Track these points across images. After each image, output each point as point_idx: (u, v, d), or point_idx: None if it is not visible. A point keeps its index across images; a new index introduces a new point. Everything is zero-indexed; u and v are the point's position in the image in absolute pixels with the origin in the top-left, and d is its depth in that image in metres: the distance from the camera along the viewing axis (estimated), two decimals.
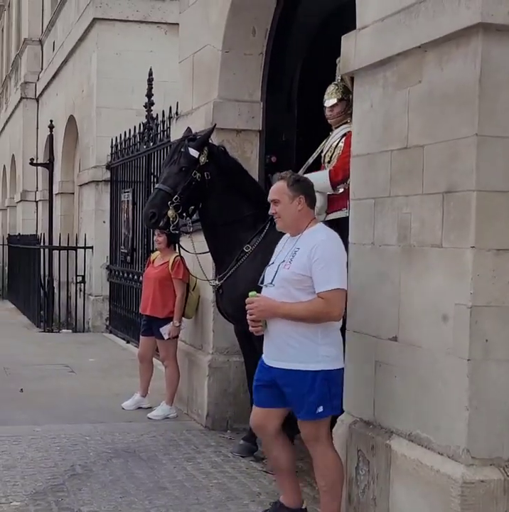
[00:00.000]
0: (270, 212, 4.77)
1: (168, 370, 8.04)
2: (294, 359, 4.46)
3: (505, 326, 4.02)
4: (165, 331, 7.90)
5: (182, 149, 6.32)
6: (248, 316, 4.60)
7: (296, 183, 4.64)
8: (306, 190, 4.68)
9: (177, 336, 8.02)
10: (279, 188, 4.65)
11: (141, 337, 8.41)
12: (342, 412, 4.93)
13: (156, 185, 6.55)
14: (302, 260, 4.45)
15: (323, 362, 4.45)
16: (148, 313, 8.07)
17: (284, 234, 6.33)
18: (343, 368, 4.60)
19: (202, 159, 6.26)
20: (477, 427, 4.02)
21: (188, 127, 6.84)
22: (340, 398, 4.63)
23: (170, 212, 6.23)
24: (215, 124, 6.86)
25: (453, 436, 4.09)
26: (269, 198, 4.72)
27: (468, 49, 4.05)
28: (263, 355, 4.69)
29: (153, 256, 8.44)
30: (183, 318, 7.95)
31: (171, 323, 7.88)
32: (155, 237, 8.30)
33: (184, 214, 6.39)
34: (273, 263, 4.67)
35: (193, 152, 6.26)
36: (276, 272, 4.56)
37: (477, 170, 3.98)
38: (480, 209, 3.99)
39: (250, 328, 4.66)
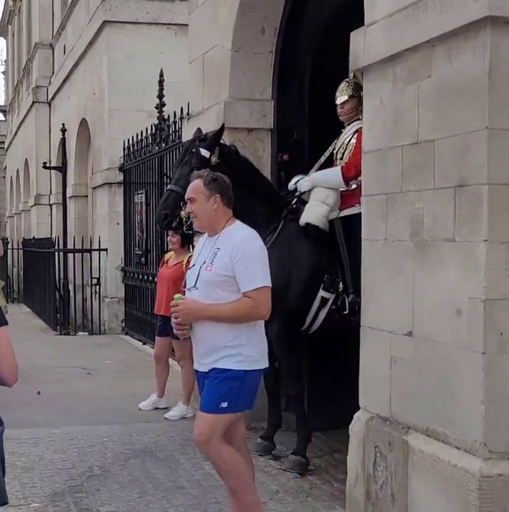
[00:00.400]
0: (186, 210, 4.70)
1: (184, 370, 8.06)
2: (218, 360, 4.36)
3: None
4: None
5: (193, 150, 6.33)
6: (173, 320, 4.50)
7: (212, 182, 4.51)
8: (222, 189, 4.54)
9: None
10: (195, 187, 4.53)
11: (156, 338, 8.43)
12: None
13: (168, 187, 6.56)
14: (224, 260, 4.34)
15: (246, 362, 4.35)
16: (163, 313, 8.09)
17: (299, 232, 6.34)
18: (263, 369, 4.50)
19: (214, 159, 6.27)
20: (493, 420, 4.01)
21: (198, 128, 6.85)
22: (248, 398, 4.47)
23: (183, 213, 6.23)
24: (223, 124, 6.86)
25: (470, 430, 4.08)
26: (186, 196, 4.61)
27: (476, 42, 4.05)
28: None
29: (167, 256, 8.46)
30: None
31: None
32: (169, 238, 8.32)
33: None
34: (194, 265, 4.54)
35: (204, 152, 6.27)
36: (198, 274, 4.43)
37: (488, 163, 3.97)
38: (492, 202, 3.98)
39: (175, 332, 4.60)
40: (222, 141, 6.50)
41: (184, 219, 6.26)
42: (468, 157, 4.09)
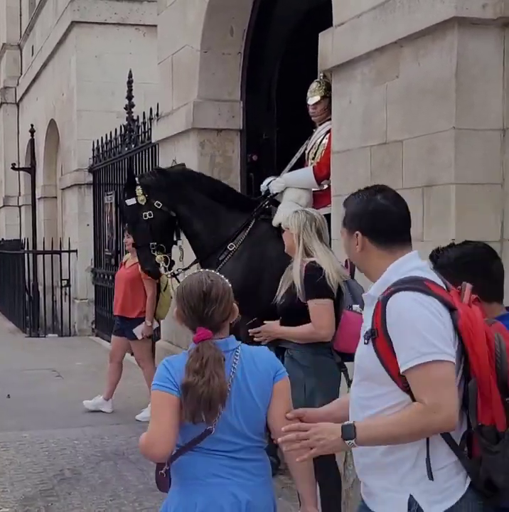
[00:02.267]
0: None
1: (146, 371, 8.04)
2: None
3: None
4: (139, 331, 7.94)
5: (122, 206, 6.61)
6: None
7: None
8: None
9: (150, 336, 8.05)
10: None
11: (112, 336, 8.45)
12: None
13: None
14: None
15: None
16: (119, 313, 8.11)
17: (272, 232, 6.29)
18: None
19: (141, 199, 6.30)
20: None
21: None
22: None
23: (158, 258, 6.39)
24: (132, 169, 6.91)
25: None
26: None
27: (443, 43, 4.08)
28: None
29: (125, 258, 8.50)
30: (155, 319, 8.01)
31: (144, 322, 7.91)
32: (125, 239, 8.36)
33: (169, 246, 6.50)
34: None
35: (129, 201, 6.38)
36: None
37: (455, 163, 4.01)
38: (459, 202, 4.02)
39: None
40: (139, 178, 6.56)
41: (161, 262, 6.42)
42: (436, 157, 4.12)
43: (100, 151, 13.39)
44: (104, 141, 13.06)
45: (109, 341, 13.03)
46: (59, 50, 15.91)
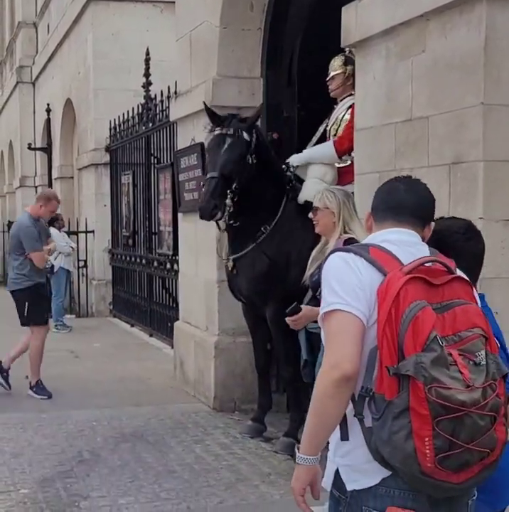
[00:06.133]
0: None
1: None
2: None
3: None
4: None
5: (237, 133, 5.98)
6: None
7: None
8: None
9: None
10: None
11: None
12: None
13: (210, 174, 5.98)
14: None
15: None
16: None
17: (299, 211, 6.15)
18: None
19: (254, 142, 6.02)
20: None
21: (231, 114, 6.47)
22: None
23: (228, 202, 5.89)
24: (262, 103, 6.66)
25: None
26: None
27: (471, 16, 3.97)
28: None
29: None
30: None
31: None
32: None
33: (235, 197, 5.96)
34: None
35: (246, 136, 5.99)
36: None
37: (483, 140, 3.91)
38: (488, 179, 3.92)
39: None
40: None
41: (228, 208, 5.93)
42: (463, 133, 4.02)
43: (117, 130, 13.32)
44: (121, 120, 12.98)
45: (127, 322, 13.05)
46: (75, 28, 15.81)
